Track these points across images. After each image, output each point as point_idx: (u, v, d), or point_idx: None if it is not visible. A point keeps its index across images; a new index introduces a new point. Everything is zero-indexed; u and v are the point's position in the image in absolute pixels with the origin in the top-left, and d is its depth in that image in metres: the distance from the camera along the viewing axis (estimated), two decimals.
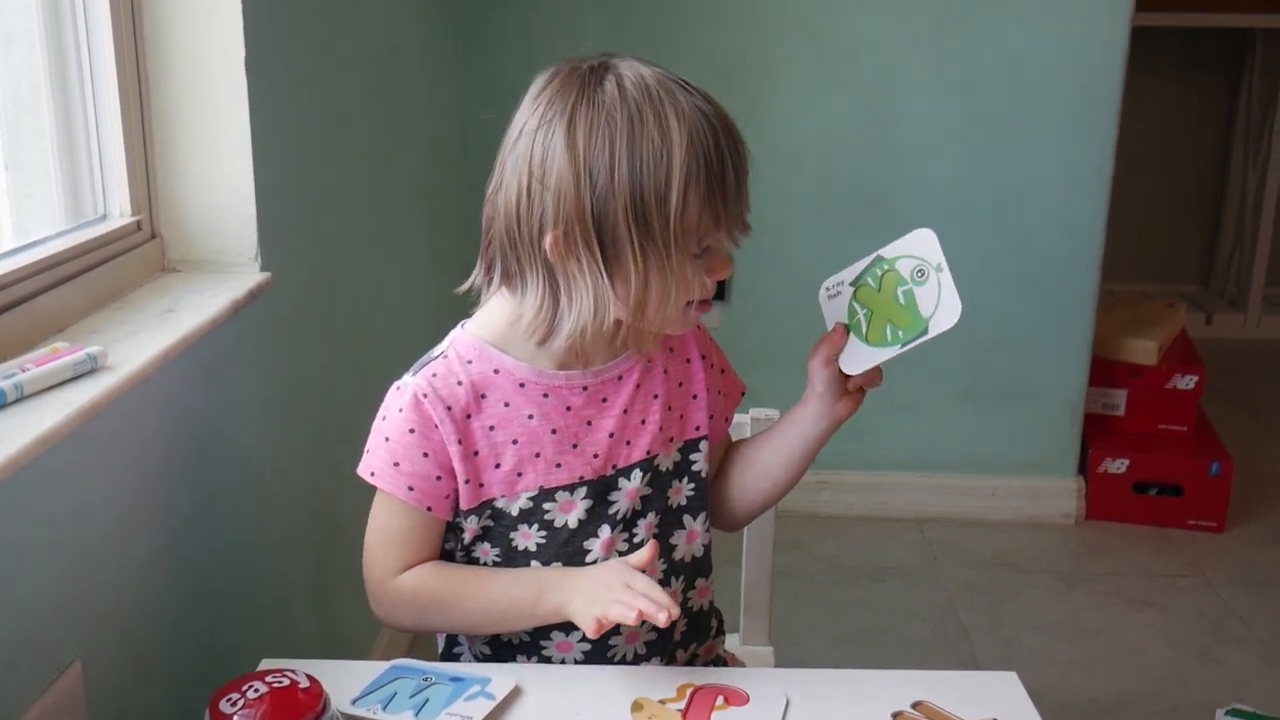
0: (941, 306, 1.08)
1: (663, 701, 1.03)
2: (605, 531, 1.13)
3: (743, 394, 1.27)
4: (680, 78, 1.04)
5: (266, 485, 1.53)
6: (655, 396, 1.15)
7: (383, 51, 2.07)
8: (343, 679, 1.03)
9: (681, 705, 1.03)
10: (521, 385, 1.10)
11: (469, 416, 1.09)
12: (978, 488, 2.89)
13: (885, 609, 2.49)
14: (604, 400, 1.13)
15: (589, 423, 1.12)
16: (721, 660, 1.28)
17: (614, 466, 1.13)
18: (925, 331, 1.09)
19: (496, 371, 1.10)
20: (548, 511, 1.12)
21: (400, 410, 1.09)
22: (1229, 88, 4.42)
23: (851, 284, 1.16)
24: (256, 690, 0.94)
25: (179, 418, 1.27)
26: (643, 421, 1.14)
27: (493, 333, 1.11)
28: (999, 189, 2.73)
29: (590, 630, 1.02)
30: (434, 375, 1.09)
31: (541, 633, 1.14)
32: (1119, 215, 2.83)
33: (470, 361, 1.10)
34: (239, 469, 1.44)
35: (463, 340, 1.12)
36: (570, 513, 1.12)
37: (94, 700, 1.05)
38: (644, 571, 1.05)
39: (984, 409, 2.86)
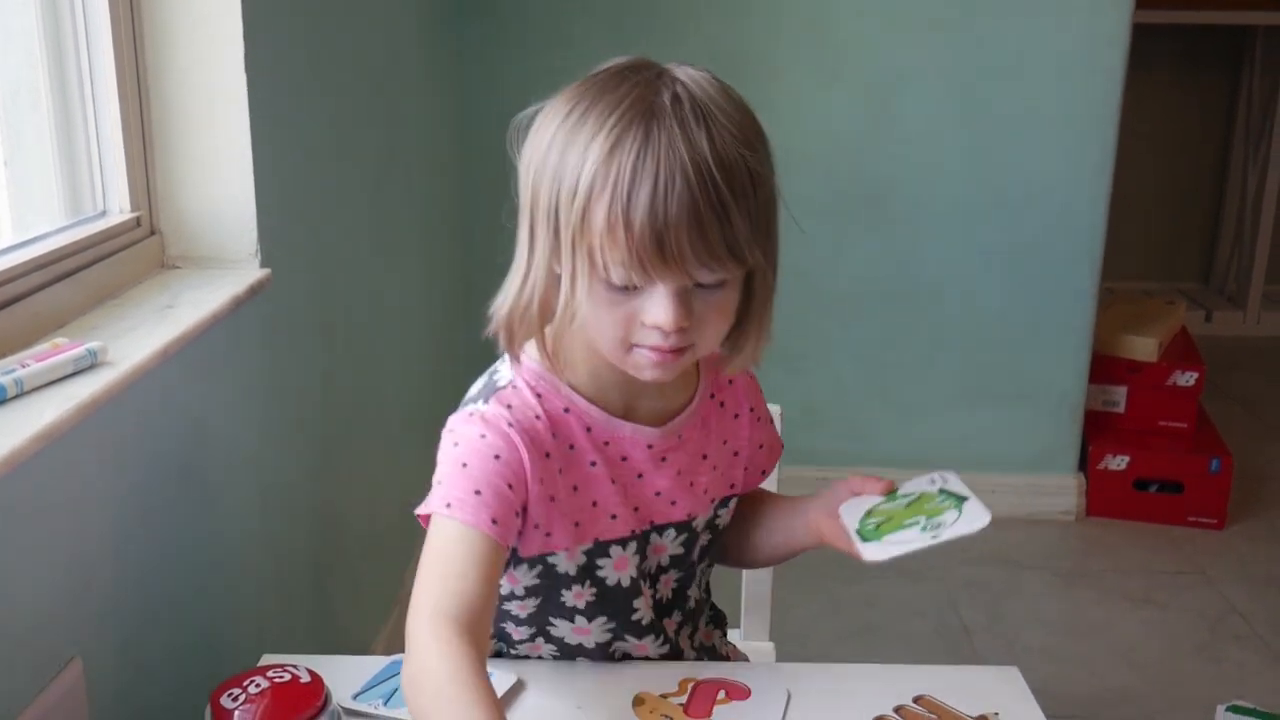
0: (970, 510, 1.04)
1: (664, 696, 1.03)
2: (645, 585, 1.09)
3: (781, 448, 1.21)
4: (715, 110, 0.91)
5: (266, 481, 1.53)
6: (705, 457, 1.09)
7: (382, 49, 2.07)
8: (344, 674, 1.03)
9: (683, 700, 1.03)
10: (589, 430, 1.02)
11: (548, 455, 1.00)
12: (978, 484, 2.85)
13: (886, 606, 2.49)
14: (663, 459, 1.06)
15: (640, 475, 1.05)
16: (724, 656, 1.27)
17: (651, 522, 1.07)
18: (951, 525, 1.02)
19: (566, 410, 1.02)
20: (600, 568, 1.06)
21: (483, 436, 0.97)
22: (1229, 85, 4.42)
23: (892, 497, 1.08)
24: (258, 685, 0.94)
25: (179, 413, 1.27)
26: (691, 484, 1.08)
27: (569, 367, 1.01)
28: (999, 187, 2.73)
29: None
30: (509, 406, 0.99)
31: (567, 658, 1.11)
32: (1119, 213, 2.83)
33: (540, 396, 1.01)
34: (239, 465, 1.44)
35: (529, 370, 1.02)
36: (623, 570, 1.06)
37: (95, 696, 1.05)
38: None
39: (984, 406, 2.86)
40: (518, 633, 1.12)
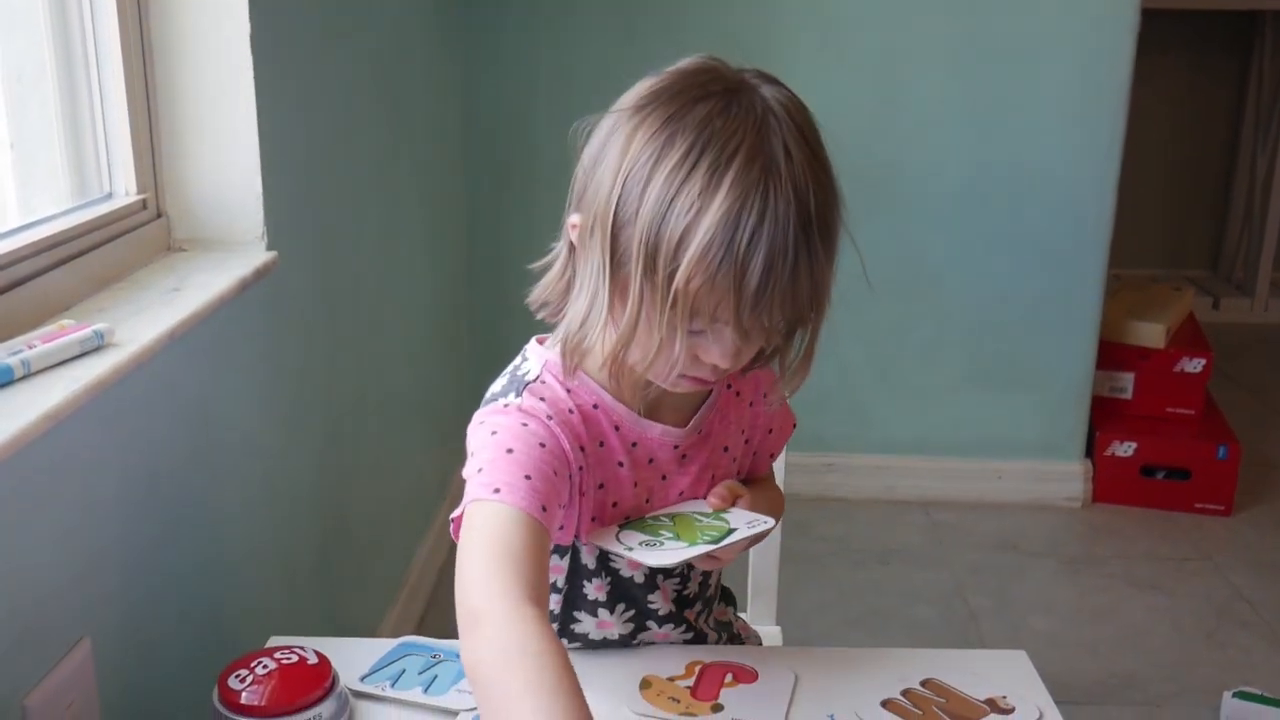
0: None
1: (672, 679, 1.03)
2: (661, 579, 1.09)
3: (794, 426, 1.19)
4: (804, 146, 0.90)
5: (272, 463, 1.53)
6: (725, 449, 1.09)
7: (389, 32, 2.06)
8: (351, 656, 1.03)
9: (690, 682, 1.03)
10: (617, 428, 1.01)
11: (582, 449, 0.99)
12: (985, 471, 2.89)
13: (892, 592, 2.49)
14: (684, 458, 1.06)
15: (664, 477, 1.05)
16: (736, 635, 1.27)
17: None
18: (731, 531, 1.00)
19: (596, 407, 1.00)
20: (614, 561, 1.06)
21: (524, 425, 0.94)
22: (1238, 71, 4.40)
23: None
24: (265, 666, 0.95)
25: (185, 396, 1.27)
26: (712, 477, 1.08)
27: (587, 363, 0.99)
28: (1007, 171, 2.72)
29: None
30: (543, 399, 0.97)
31: (590, 653, 1.10)
32: (1127, 199, 2.82)
33: (569, 390, 1.00)
34: (245, 447, 1.44)
35: (554, 364, 1.00)
36: (636, 568, 1.07)
37: (103, 676, 1.05)
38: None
39: (991, 392, 2.85)
40: None
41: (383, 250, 2.05)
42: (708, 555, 0.99)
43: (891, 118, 2.72)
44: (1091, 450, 2.89)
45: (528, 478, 0.91)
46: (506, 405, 0.97)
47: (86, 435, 1.05)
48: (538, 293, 1.01)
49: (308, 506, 1.68)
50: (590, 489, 1.00)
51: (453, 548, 0.91)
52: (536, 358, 1.02)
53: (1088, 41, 2.63)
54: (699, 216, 0.86)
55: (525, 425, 0.95)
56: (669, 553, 0.97)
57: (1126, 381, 2.99)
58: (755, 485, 1.14)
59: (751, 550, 1.46)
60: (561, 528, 1.01)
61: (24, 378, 0.98)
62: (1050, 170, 2.71)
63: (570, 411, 0.98)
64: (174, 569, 1.23)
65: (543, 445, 0.94)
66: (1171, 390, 2.96)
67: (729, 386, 1.09)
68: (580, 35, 2.64)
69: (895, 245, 2.78)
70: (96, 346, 1.05)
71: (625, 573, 1.07)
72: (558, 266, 0.99)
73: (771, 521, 1.03)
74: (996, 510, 2.85)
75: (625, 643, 1.10)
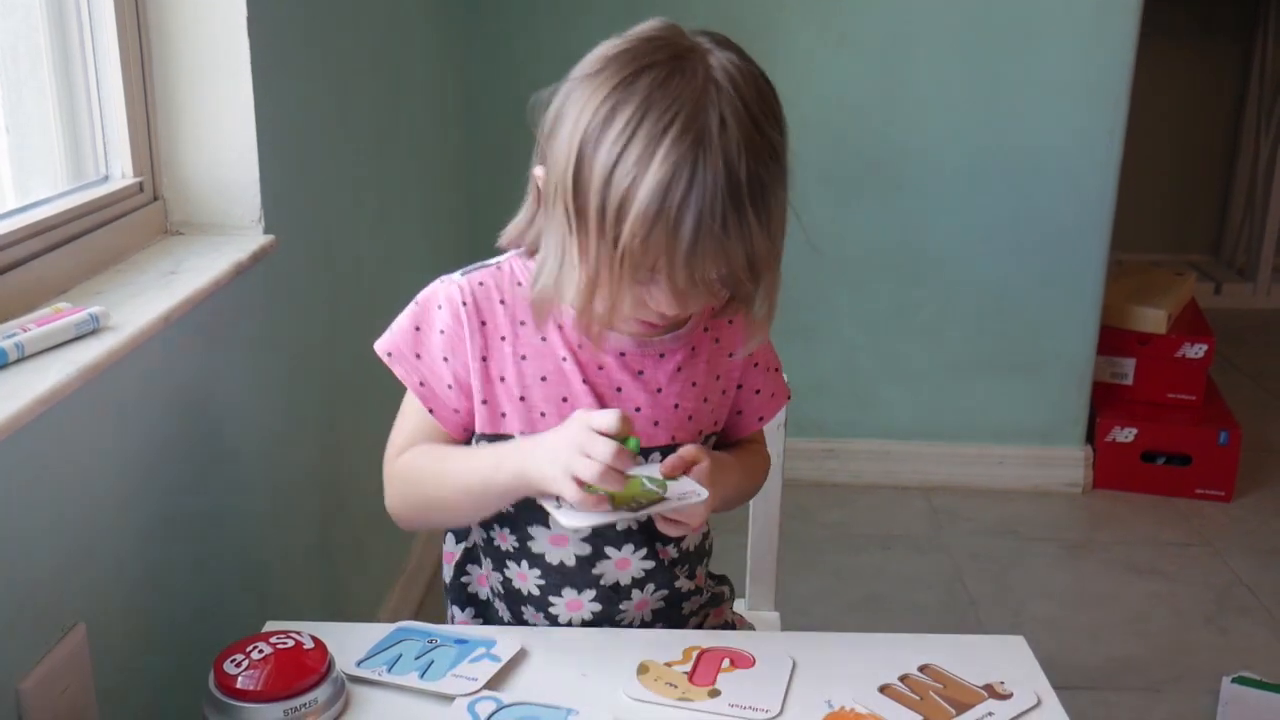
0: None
1: (669, 664, 1.03)
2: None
3: (788, 398, 1.23)
4: (745, 114, 0.95)
5: (270, 448, 1.53)
6: (694, 384, 1.12)
7: (385, 12, 2.05)
8: (348, 641, 1.03)
9: (687, 668, 1.03)
10: (560, 327, 1.08)
11: (503, 338, 1.08)
12: (985, 456, 2.89)
13: (892, 577, 2.49)
14: (639, 373, 1.10)
15: (619, 389, 1.09)
16: (730, 624, 1.27)
17: None
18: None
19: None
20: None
21: (439, 307, 1.09)
22: (1241, 55, 4.38)
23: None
24: (261, 651, 0.94)
25: (181, 379, 1.27)
26: (675, 406, 1.11)
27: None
28: (1009, 155, 2.71)
29: (568, 492, 0.97)
30: (480, 284, 1.09)
31: (552, 588, 1.13)
32: (1129, 183, 2.81)
33: (520, 284, 1.09)
34: (242, 431, 1.43)
35: (518, 263, 1.10)
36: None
37: (99, 661, 1.05)
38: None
39: (992, 377, 2.85)
40: (505, 541, 1.13)
41: (381, 233, 2.05)
42: (664, 518, 1.03)
43: (893, 103, 2.70)
44: (1092, 436, 2.89)
45: (418, 356, 1.09)
46: (445, 280, 1.10)
47: (82, 419, 1.04)
48: (507, 234, 1.11)
49: (305, 491, 1.68)
50: (523, 379, 1.08)
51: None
52: (508, 256, 1.12)
53: (1090, 26, 2.62)
54: (636, 184, 0.94)
55: (440, 309, 1.09)
56: (584, 516, 1.00)
57: (1128, 367, 2.98)
58: (741, 447, 1.20)
59: (750, 536, 1.46)
60: (457, 411, 1.10)
61: (18, 361, 0.98)
62: (1052, 155, 2.70)
63: (501, 302, 1.09)
64: (170, 554, 1.23)
65: (442, 332, 1.08)
66: (1172, 376, 2.95)
67: (705, 330, 1.13)
68: (581, 15, 2.62)
69: (897, 230, 2.77)
70: (92, 330, 1.05)
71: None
72: (525, 212, 1.08)
73: (701, 495, 1.02)
74: (997, 495, 2.85)
75: (585, 571, 1.11)
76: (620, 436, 0.97)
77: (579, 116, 0.97)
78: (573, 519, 1.00)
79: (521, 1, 2.64)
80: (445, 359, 1.08)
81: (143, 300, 1.15)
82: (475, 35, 2.66)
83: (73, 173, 1.30)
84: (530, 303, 1.06)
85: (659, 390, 1.10)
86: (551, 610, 1.14)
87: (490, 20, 2.64)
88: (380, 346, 1.10)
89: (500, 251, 1.13)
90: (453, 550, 1.20)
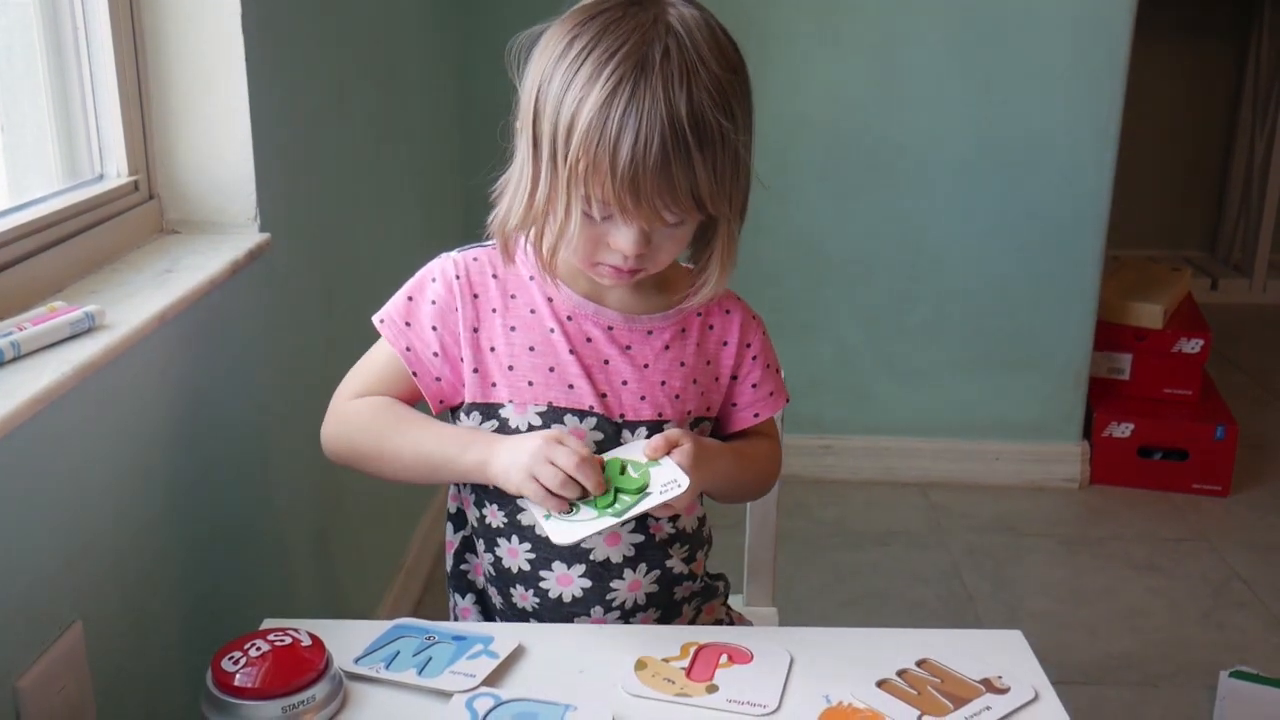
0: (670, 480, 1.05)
1: (666, 660, 1.03)
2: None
3: (786, 401, 1.25)
4: (698, 52, 1.00)
5: (267, 445, 1.53)
6: (682, 364, 1.15)
7: (382, 11, 2.05)
8: (345, 638, 1.03)
9: (685, 664, 1.03)
10: (550, 300, 1.13)
11: (494, 310, 1.13)
12: (982, 452, 2.89)
13: (889, 573, 2.49)
14: (627, 348, 1.14)
15: (606, 361, 1.13)
16: (726, 620, 1.27)
17: (622, 415, 1.13)
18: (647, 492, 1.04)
19: (531, 278, 1.13)
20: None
21: (434, 280, 1.14)
22: (1237, 51, 4.38)
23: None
24: (258, 649, 0.94)
25: (177, 378, 1.26)
26: (662, 383, 1.14)
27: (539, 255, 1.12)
28: (1005, 152, 2.71)
29: (527, 490, 1.03)
30: (474, 259, 1.14)
31: (541, 563, 1.14)
32: (1125, 179, 2.81)
33: (514, 262, 1.14)
34: (239, 429, 1.43)
35: (518, 243, 1.14)
36: (580, 439, 1.09)
37: (95, 659, 1.05)
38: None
39: (988, 373, 2.85)
40: (495, 517, 1.15)
41: (377, 231, 2.04)
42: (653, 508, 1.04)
43: (889, 97, 2.70)
44: (1089, 431, 2.89)
45: (408, 324, 1.14)
46: (443, 256, 1.15)
47: (77, 418, 1.04)
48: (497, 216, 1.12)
49: (303, 489, 1.67)
50: (512, 349, 1.11)
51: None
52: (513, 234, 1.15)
53: (1086, 22, 2.62)
54: (581, 104, 0.99)
55: (433, 281, 1.14)
56: (575, 526, 1.02)
57: (1124, 362, 2.98)
58: (744, 438, 1.22)
59: (748, 532, 1.46)
60: (439, 380, 1.14)
61: (14, 360, 0.98)
62: (1049, 151, 2.70)
63: (494, 276, 1.14)
64: (167, 551, 1.23)
65: (434, 303, 1.13)
66: (1169, 371, 2.96)
67: (699, 315, 1.18)
68: None
69: (893, 227, 2.77)
70: (87, 329, 1.05)
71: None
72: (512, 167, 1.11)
73: (682, 485, 1.03)
74: (994, 491, 2.85)
75: (575, 548, 1.11)
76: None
77: (543, 52, 1.04)
78: (562, 534, 1.02)
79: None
80: (434, 328, 1.13)
81: (138, 299, 1.15)
82: (471, 32, 2.66)
83: (68, 171, 1.30)
84: (490, 232, 1.11)
85: (646, 366, 1.14)
86: (542, 585, 1.14)
87: (486, 17, 2.64)
88: (375, 315, 1.16)
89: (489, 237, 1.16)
90: (452, 539, 1.23)
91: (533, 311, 1.13)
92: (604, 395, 1.12)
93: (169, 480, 1.23)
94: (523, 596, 1.16)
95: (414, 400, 1.16)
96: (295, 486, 1.64)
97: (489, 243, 1.14)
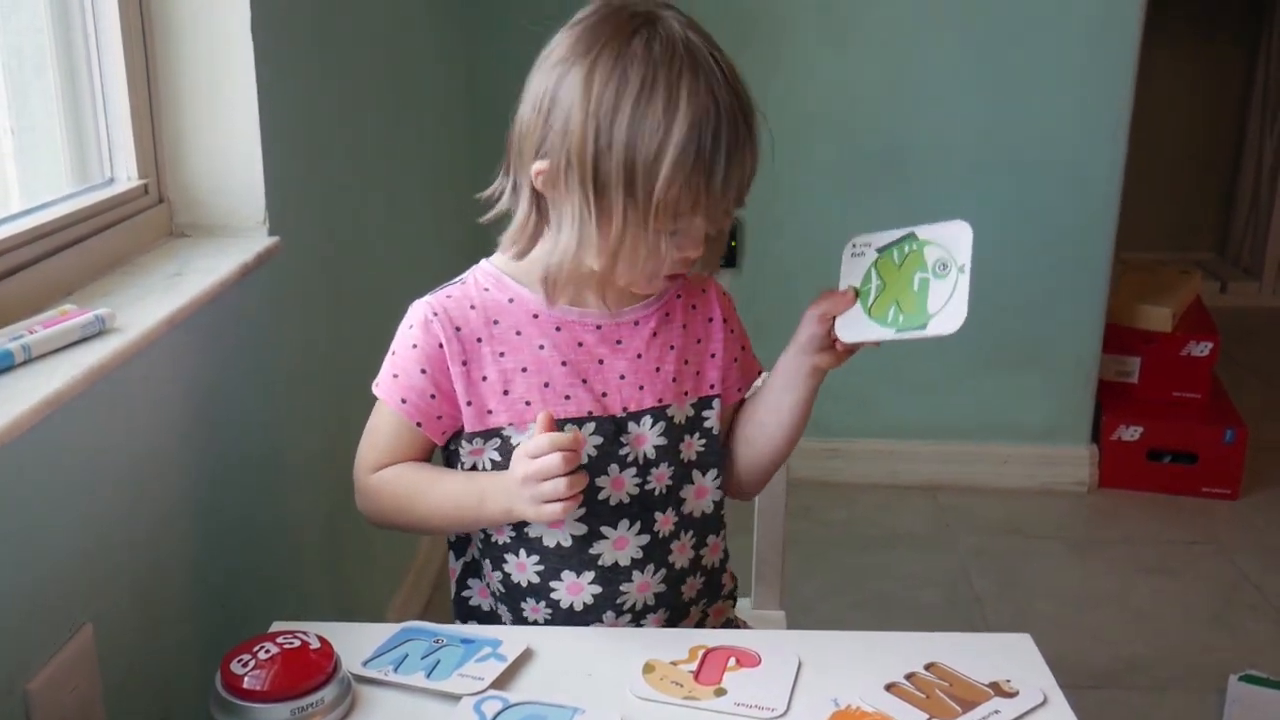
0: (948, 310, 1.07)
1: (674, 663, 1.03)
2: (615, 470, 1.13)
3: (759, 373, 1.27)
4: (716, 52, 1.04)
5: (277, 448, 1.53)
6: (671, 348, 1.16)
7: (391, 15, 2.05)
8: (354, 641, 1.03)
9: (693, 667, 1.03)
10: (535, 316, 1.13)
11: (479, 340, 1.12)
12: (990, 455, 2.88)
13: (897, 576, 2.49)
14: (618, 342, 1.14)
15: (600, 361, 1.13)
16: (732, 624, 1.27)
17: (624, 409, 1.14)
18: (924, 327, 1.08)
19: (511, 301, 1.13)
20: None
21: (411, 327, 1.13)
22: (1246, 54, 4.37)
23: (879, 250, 1.14)
24: (267, 651, 0.94)
25: (188, 380, 1.27)
26: (657, 369, 1.15)
27: (512, 267, 1.15)
28: (1014, 153, 2.71)
29: (544, 520, 1.07)
30: (448, 297, 1.14)
31: (550, 573, 1.14)
32: (1135, 182, 2.81)
33: (487, 289, 1.14)
34: (248, 432, 1.44)
35: (483, 270, 1.16)
36: (583, 446, 1.12)
37: (106, 662, 1.05)
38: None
39: (997, 376, 2.85)
40: (502, 534, 1.15)
41: (386, 234, 2.05)
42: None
43: (898, 97, 2.70)
44: (1098, 434, 2.89)
45: (395, 377, 1.13)
46: (416, 303, 1.14)
47: (88, 421, 1.04)
48: (509, 240, 1.13)
49: (312, 491, 1.68)
50: (505, 374, 1.12)
51: None
52: (474, 268, 1.17)
53: (1095, 23, 2.62)
54: (668, 133, 1.00)
55: (411, 328, 1.13)
56: (863, 328, 1.11)
57: (1133, 365, 2.98)
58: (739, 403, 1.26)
59: (755, 535, 1.46)
60: (440, 417, 1.13)
61: (25, 363, 0.98)
62: (1058, 154, 2.70)
63: (471, 307, 1.13)
64: (177, 554, 1.23)
65: (414, 346, 1.12)
66: (1178, 374, 2.95)
67: (679, 297, 1.19)
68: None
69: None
70: (98, 331, 1.05)
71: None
72: (523, 213, 1.11)
73: (956, 323, 1.07)
74: (1002, 494, 2.85)
75: (581, 552, 1.13)
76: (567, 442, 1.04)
77: (587, 90, 1.02)
78: (850, 332, 1.12)
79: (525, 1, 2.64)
80: (423, 370, 1.12)
81: (149, 302, 1.16)
82: (480, 35, 2.66)
83: (78, 175, 1.30)
84: (542, 280, 1.10)
85: (639, 356, 1.15)
86: (553, 596, 1.14)
87: (497, 18, 2.64)
88: (374, 387, 1.16)
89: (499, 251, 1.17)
90: (454, 566, 1.24)
91: (519, 333, 1.13)
92: (604, 395, 1.13)
93: (179, 482, 1.24)
94: (534, 609, 1.16)
95: (429, 449, 1.17)
96: (304, 488, 1.64)
97: (453, 281, 1.16)
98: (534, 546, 1.14)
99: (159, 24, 1.35)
